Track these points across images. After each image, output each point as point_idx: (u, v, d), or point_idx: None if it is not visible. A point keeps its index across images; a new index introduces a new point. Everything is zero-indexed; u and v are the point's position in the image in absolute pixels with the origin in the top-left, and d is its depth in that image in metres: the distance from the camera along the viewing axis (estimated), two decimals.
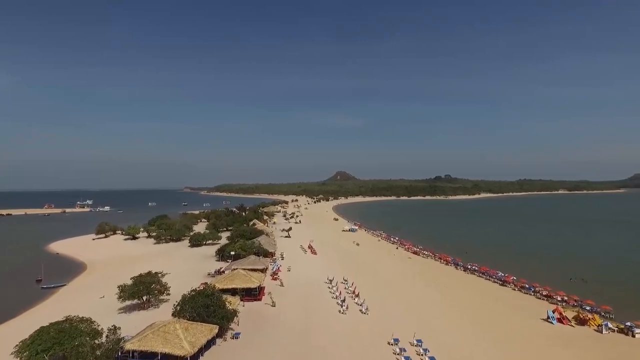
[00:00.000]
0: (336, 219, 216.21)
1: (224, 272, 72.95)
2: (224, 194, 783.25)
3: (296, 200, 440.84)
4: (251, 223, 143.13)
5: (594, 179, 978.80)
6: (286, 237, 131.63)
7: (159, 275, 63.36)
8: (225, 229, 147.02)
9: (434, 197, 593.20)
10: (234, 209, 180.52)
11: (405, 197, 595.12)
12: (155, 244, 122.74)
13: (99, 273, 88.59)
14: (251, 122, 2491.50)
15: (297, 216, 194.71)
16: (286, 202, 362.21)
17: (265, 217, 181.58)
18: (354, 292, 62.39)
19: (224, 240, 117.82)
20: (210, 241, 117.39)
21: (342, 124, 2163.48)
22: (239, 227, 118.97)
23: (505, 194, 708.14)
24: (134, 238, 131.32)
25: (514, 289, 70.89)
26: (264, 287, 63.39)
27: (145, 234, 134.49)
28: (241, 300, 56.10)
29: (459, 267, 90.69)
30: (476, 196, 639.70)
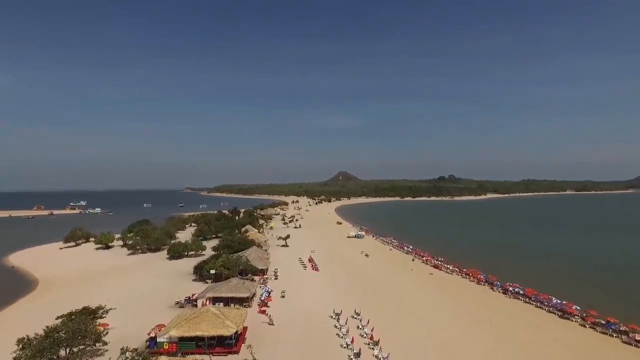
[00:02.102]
0: (339, 223, 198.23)
1: (196, 302, 55.25)
2: (224, 195, 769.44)
3: (297, 201, 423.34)
4: (243, 229, 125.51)
5: (596, 179, 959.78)
6: (283, 246, 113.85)
7: (101, 310, 45.87)
8: (214, 235, 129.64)
9: (440, 198, 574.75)
10: (226, 212, 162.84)
11: (409, 198, 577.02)
12: (129, 254, 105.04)
13: (48, 296, 70.76)
14: (251, 122, 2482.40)
15: (296, 220, 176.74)
16: (286, 204, 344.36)
17: (261, 222, 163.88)
18: (371, 338, 44.48)
19: (209, 252, 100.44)
20: (192, 252, 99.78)
21: (343, 124, 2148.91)
22: (227, 236, 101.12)
23: (511, 194, 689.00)
24: (107, 247, 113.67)
25: (584, 326, 52.78)
26: (246, 329, 45.57)
27: (121, 243, 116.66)
28: (208, 353, 38.47)
29: (495, 288, 72.62)
30: (482, 197, 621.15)
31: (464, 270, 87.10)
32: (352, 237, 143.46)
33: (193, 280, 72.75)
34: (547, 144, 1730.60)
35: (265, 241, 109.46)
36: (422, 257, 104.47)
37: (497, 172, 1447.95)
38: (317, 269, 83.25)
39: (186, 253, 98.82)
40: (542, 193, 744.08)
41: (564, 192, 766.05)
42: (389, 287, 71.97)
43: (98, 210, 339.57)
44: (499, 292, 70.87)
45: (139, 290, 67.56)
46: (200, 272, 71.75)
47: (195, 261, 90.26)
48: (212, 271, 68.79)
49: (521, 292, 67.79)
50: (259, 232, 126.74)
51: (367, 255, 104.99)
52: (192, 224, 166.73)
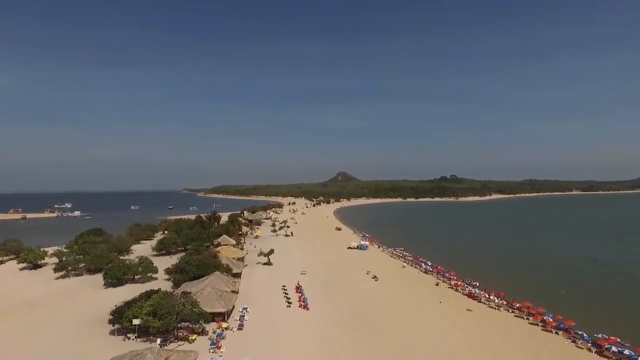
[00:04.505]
0: (339, 229, 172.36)
1: None
2: (221, 196, 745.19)
3: (293, 203, 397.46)
4: (217, 241, 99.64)
5: (597, 179, 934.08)
6: (265, 264, 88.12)
7: None
8: (182, 248, 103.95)
9: (444, 199, 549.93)
10: (204, 217, 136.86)
11: (412, 199, 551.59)
12: (58, 278, 78.89)
13: None
14: (251, 123, 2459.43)
15: (288, 226, 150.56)
16: (281, 206, 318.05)
17: (246, 229, 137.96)
18: None
19: (162, 275, 74.82)
20: (139, 276, 74.02)
21: (342, 123, 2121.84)
22: (190, 253, 74.76)
23: (517, 194, 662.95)
24: (37, 266, 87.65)
25: None
26: None
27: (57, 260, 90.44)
28: None
29: (579, 342, 46.90)
30: (488, 197, 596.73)
31: (515, 304, 61.43)
32: (353, 248, 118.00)
33: (110, 333, 46.81)
34: (547, 144, 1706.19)
35: (240, 259, 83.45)
36: (449, 279, 78.71)
37: (498, 172, 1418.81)
38: (306, 307, 57.27)
39: (132, 277, 73.08)
40: (547, 193, 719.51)
41: (570, 192, 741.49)
42: (418, 345, 46.04)
43: (77, 213, 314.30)
44: (590, 349, 45.11)
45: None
46: (120, 321, 45.73)
47: (141, 289, 65.44)
48: (136, 321, 43.02)
49: (633, 355, 42.00)
50: (236, 244, 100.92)
51: (375, 277, 79.23)
52: (166, 232, 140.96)
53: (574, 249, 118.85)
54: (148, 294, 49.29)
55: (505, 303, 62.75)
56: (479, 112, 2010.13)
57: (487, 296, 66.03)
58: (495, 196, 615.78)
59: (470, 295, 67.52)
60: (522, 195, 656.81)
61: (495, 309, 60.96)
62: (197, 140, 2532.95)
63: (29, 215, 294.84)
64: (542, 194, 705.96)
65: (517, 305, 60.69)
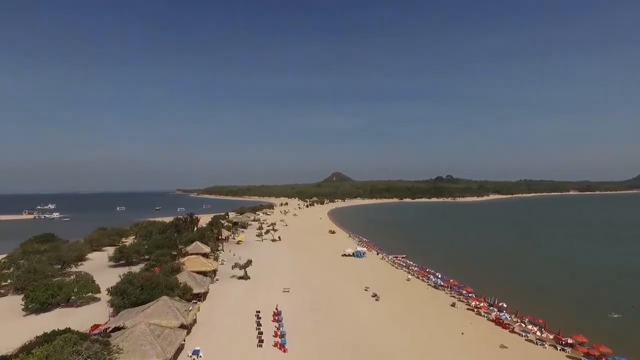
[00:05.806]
0: (332, 232, 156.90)
1: None
2: (213, 197, 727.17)
3: (286, 204, 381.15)
4: (185, 250, 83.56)
5: (592, 179, 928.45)
6: (241, 278, 72.30)
7: None
8: (148, 257, 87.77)
9: (441, 199, 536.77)
10: (181, 219, 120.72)
11: (408, 200, 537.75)
12: None
13: None
14: (246, 123, 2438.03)
15: (275, 230, 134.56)
16: (272, 207, 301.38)
17: (227, 234, 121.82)
18: None
19: (104, 297, 58.77)
20: (76, 297, 57.88)
21: (337, 123, 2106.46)
22: (131, 274, 57.98)
23: (514, 195, 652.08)
24: None
25: None
26: None
27: None
28: None
29: None
30: (485, 198, 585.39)
31: (564, 338, 46.27)
32: (349, 255, 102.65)
33: None
34: (542, 144, 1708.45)
35: (209, 272, 67.53)
36: (467, 297, 63.59)
37: (493, 173, 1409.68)
38: (283, 347, 41.57)
39: (66, 299, 56.97)
40: (545, 194, 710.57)
41: (567, 193, 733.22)
42: None
43: (55, 215, 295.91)
44: None
45: None
46: None
47: (74, 315, 50.85)
48: None
49: None
50: (210, 252, 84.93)
51: (375, 295, 63.77)
52: (138, 236, 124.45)
53: (599, 256, 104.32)
54: (47, 338, 33.39)
55: (550, 336, 47.65)
56: (474, 111, 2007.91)
57: (522, 325, 50.97)
58: (493, 196, 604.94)
59: (498, 322, 52.43)
60: (520, 195, 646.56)
61: (536, 343, 45.81)
62: (193, 141, 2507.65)
63: (4, 217, 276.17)
64: (540, 194, 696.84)
65: (565, 340, 45.59)
